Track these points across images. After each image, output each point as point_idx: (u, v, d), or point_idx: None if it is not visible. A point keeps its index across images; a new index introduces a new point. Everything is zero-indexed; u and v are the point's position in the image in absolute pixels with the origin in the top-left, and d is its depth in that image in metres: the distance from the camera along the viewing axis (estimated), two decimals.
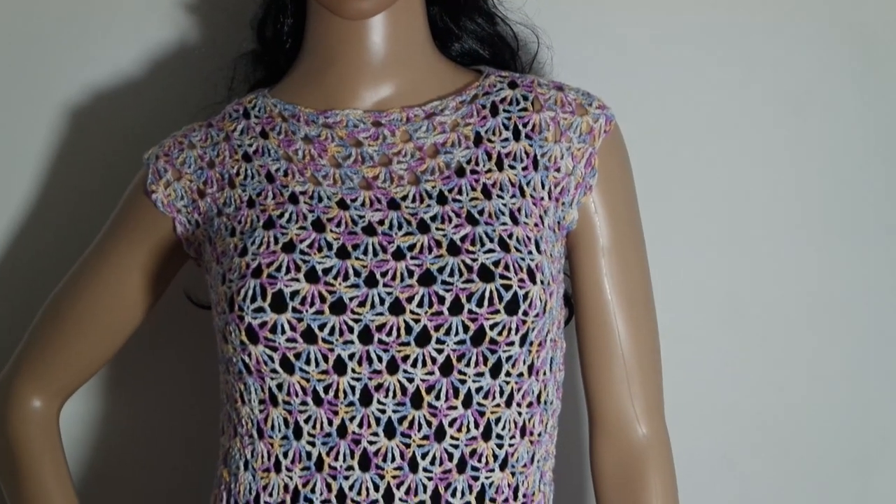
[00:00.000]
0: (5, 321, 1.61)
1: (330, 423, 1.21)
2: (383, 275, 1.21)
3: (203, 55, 1.56)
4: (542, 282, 1.22)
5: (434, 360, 1.20)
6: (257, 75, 1.45)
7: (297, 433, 1.22)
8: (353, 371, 1.20)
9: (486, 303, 1.20)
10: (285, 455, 1.23)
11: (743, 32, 1.54)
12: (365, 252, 1.22)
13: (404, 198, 1.25)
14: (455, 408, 1.21)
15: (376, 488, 1.21)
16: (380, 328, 1.20)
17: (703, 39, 1.54)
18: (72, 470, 1.47)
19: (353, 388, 1.21)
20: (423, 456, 1.21)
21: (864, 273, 1.56)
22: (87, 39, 1.59)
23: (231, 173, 1.31)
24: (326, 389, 1.21)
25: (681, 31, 1.54)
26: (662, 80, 1.54)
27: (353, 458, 1.21)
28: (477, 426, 1.21)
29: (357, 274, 1.21)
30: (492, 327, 1.20)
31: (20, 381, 1.42)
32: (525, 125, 1.29)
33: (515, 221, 1.24)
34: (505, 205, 1.25)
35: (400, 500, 1.21)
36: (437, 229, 1.23)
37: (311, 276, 1.21)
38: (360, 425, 1.21)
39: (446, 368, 1.20)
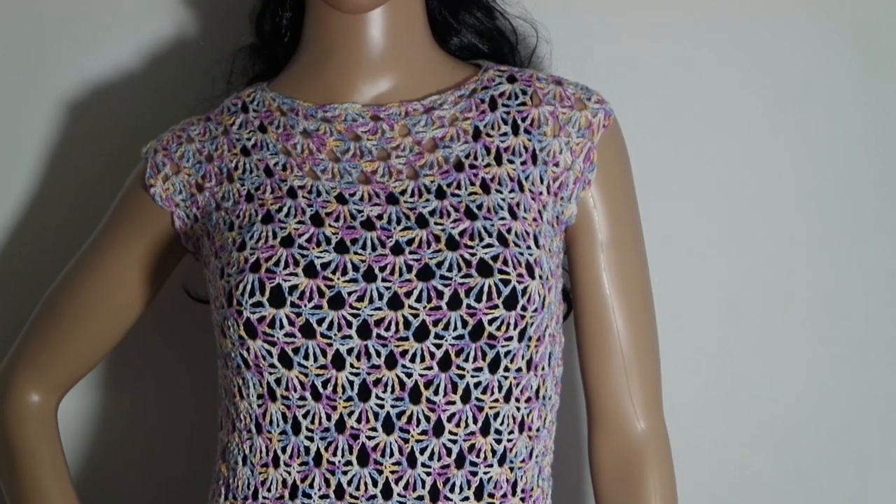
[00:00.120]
0: (3, 315, 1.61)
1: (328, 417, 1.21)
2: (382, 269, 1.21)
3: (201, 49, 1.56)
4: (540, 277, 1.22)
5: (433, 355, 1.20)
6: (256, 69, 1.45)
7: (296, 428, 1.22)
8: (352, 366, 1.20)
9: (484, 298, 1.19)
10: (284, 450, 1.23)
11: (742, 28, 1.54)
12: (363, 247, 1.22)
13: (403, 192, 1.25)
14: (453, 403, 1.21)
15: (375, 483, 1.21)
16: (378, 323, 1.20)
17: (702, 35, 1.54)
18: (70, 464, 1.47)
19: (351, 383, 1.21)
20: (422, 451, 1.21)
21: (862, 270, 1.56)
22: (86, 34, 1.59)
23: (229, 167, 1.31)
24: (325, 384, 1.21)
25: (680, 27, 1.54)
26: (661, 75, 1.54)
27: (351, 453, 1.21)
28: (475, 421, 1.21)
29: (356, 268, 1.21)
30: (490, 322, 1.20)
31: (18, 375, 1.42)
32: (524, 119, 1.29)
33: (514, 216, 1.24)
34: (504, 199, 1.25)
35: (398, 495, 1.21)
36: (436, 224, 1.23)
37: (310, 271, 1.21)
38: (359, 420, 1.21)
39: (445, 363, 1.20)
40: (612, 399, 1.32)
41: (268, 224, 1.24)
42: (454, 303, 1.19)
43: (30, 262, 1.61)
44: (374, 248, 1.22)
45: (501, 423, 1.23)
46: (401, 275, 1.21)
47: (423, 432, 1.21)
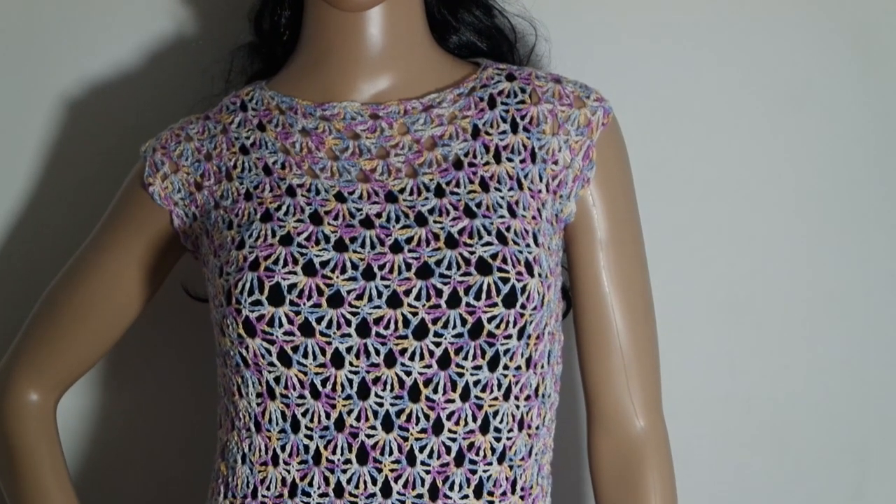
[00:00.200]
0: (2, 314, 1.61)
1: (328, 416, 1.21)
2: (381, 268, 1.21)
3: (200, 47, 1.56)
4: (539, 275, 1.22)
5: (432, 354, 1.20)
6: (254, 68, 1.45)
7: (295, 426, 1.22)
8: (351, 364, 1.20)
9: (483, 296, 1.19)
10: (283, 448, 1.23)
11: (742, 26, 1.54)
12: (363, 245, 1.22)
13: (402, 190, 1.25)
14: (453, 401, 1.21)
15: (374, 482, 1.21)
16: (377, 321, 1.20)
17: (702, 34, 1.54)
18: (69, 463, 1.47)
19: (350, 382, 1.21)
20: (421, 449, 1.21)
21: (861, 270, 1.56)
22: (85, 32, 1.59)
23: (228, 166, 1.31)
24: (324, 383, 1.21)
25: (679, 25, 1.54)
26: (661, 73, 1.54)
27: (350, 451, 1.21)
28: (475, 419, 1.21)
29: (355, 267, 1.21)
30: (489, 320, 1.20)
31: (17, 374, 1.42)
32: (523, 118, 1.29)
33: (513, 214, 1.24)
34: (503, 197, 1.24)
35: (398, 493, 1.21)
36: (435, 222, 1.22)
37: (309, 269, 1.21)
38: (358, 419, 1.21)
39: (444, 362, 1.20)
40: (611, 397, 1.32)
41: (267, 222, 1.24)
42: (453, 301, 1.19)
43: (29, 261, 1.61)
44: (373, 247, 1.22)
45: (501, 422, 1.23)
46: (400, 273, 1.21)
47: (423, 430, 1.21)
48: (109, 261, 1.38)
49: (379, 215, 1.24)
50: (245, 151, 1.31)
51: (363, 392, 1.21)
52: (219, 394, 1.31)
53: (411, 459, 1.21)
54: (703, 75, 1.54)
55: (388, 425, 1.21)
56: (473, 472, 1.22)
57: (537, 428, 1.26)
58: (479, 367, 1.21)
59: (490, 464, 1.22)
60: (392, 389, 1.20)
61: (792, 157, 1.55)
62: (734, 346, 1.57)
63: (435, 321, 1.20)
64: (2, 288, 1.62)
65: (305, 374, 1.21)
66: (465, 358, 1.20)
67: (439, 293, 1.20)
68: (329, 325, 1.20)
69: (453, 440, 1.21)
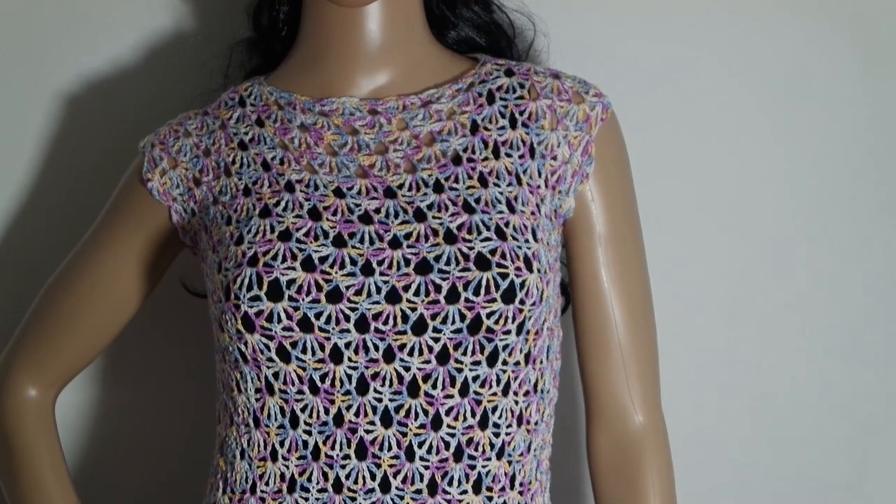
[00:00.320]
0: (1, 309, 1.61)
1: (326, 411, 1.21)
2: (380, 263, 1.21)
3: (198, 43, 1.56)
4: (538, 270, 1.22)
5: (431, 349, 1.20)
6: (253, 63, 1.45)
7: (294, 422, 1.22)
8: (350, 360, 1.20)
9: (482, 291, 1.19)
10: (282, 444, 1.23)
11: (742, 22, 1.53)
12: (361, 240, 1.22)
13: (401, 186, 1.25)
14: (452, 396, 1.21)
15: (373, 477, 1.21)
16: (376, 317, 1.20)
17: (701, 30, 1.54)
18: (67, 458, 1.47)
19: (349, 377, 1.21)
20: (420, 445, 1.21)
21: (861, 268, 1.55)
22: (84, 28, 1.59)
23: (227, 161, 1.31)
24: (323, 378, 1.21)
25: (679, 21, 1.53)
26: (660, 69, 1.54)
27: (349, 446, 1.21)
28: (474, 415, 1.21)
29: (353, 262, 1.21)
30: (488, 316, 1.20)
31: (15, 369, 1.42)
32: (521, 113, 1.29)
33: (512, 210, 1.24)
34: (501, 193, 1.24)
35: (397, 488, 1.21)
36: (434, 218, 1.22)
37: (308, 265, 1.21)
38: (357, 414, 1.21)
39: (443, 357, 1.20)
40: (610, 392, 1.32)
41: (265, 218, 1.24)
42: (452, 296, 1.19)
43: (28, 257, 1.61)
44: (371, 242, 1.22)
45: (500, 417, 1.23)
46: (399, 268, 1.21)
47: (422, 426, 1.21)
48: (108, 256, 1.38)
49: (378, 211, 1.24)
50: (244, 147, 1.31)
51: (362, 387, 1.21)
52: (217, 389, 1.31)
53: (410, 455, 1.21)
54: (702, 72, 1.54)
55: (386, 421, 1.21)
56: (472, 467, 1.22)
57: (536, 423, 1.26)
58: (477, 363, 1.21)
59: (489, 459, 1.22)
60: (391, 385, 1.21)
61: (792, 156, 1.55)
62: (734, 343, 1.57)
63: (434, 317, 1.20)
64: (1, 283, 1.62)
65: (304, 369, 1.21)
66: (464, 353, 1.20)
67: (438, 289, 1.20)
68: (328, 321, 1.20)
69: (452, 435, 1.21)
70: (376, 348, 1.20)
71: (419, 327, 1.20)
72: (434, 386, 1.20)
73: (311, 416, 1.22)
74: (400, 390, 1.20)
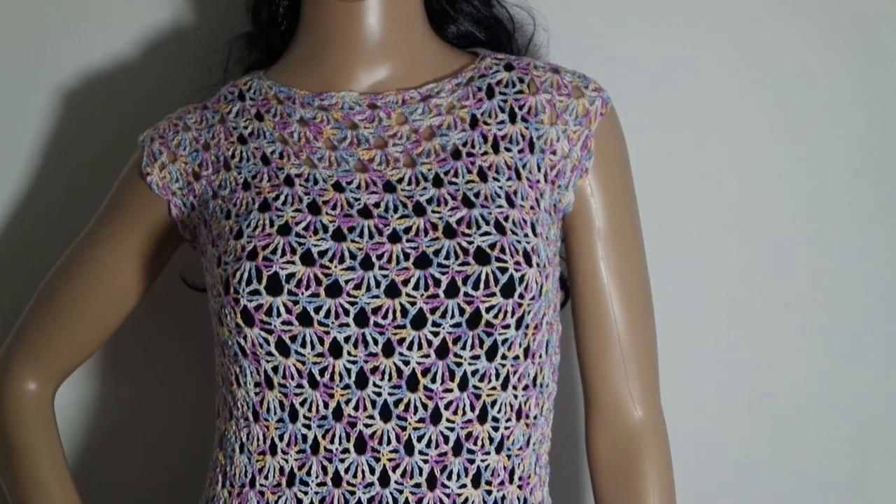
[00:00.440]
0: (0, 304, 1.61)
1: (326, 405, 1.21)
2: (379, 257, 1.21)
3: (198, 37, 1.56)
4: (538, 264, 1.22)
5: (430, 343, 1.20)
6: (252, 57, 1.45)
7: (293, 416, 1.22)
8: (349, 354, 1.20)
9: (482, 285, 1.19)
10: (281, 438, 1.23)
11: (742, 22, 1.53)
12: (361, 235, 1.22)
13: (400, 180, 1.25)
14: (451, 391, 1.21)
15: (372, 471, 1.21)
16: (375, 311, 1.20)
17: (701, 30, 1.53)
18: (67, 453, 1.47)
19: (348, 371, 1.21)
20: (419, 439, 1.21)
21: (860, 266, 1.55)
22: (83, 23, 1.59)
23: (226, 155, 1.31)
24: (322, 372, 1.21)
25: (678, 21, 1.53)
26: (659, 64, 1.54)
27: (348, 440, 1.21)
28: (473, 409, 1.21)
29: (353, 257, 1.21)
30: (488, 310, 1.20)
31: (15, 363, 1.42)
32: (521, 108, 1.29)
33: (511, 204, 1.24)
34: (501, 187, 1.24)
35: (396, 482, 1.21)
36: (433, 212, 1.22)
37: (307, 259, 1.21)
38: (356, 408, 1.21)
39: (442, 351, 1.20)
40: (609, 387, 1.32)
41: (265, 212, 1.24)
42: (451, 291, 1.19)
43: (27, 251, 1.61)
44: (371, 237, 1.22)
45: (499, 411, 1.23)
46: (398, 263, 1.21)
47: (421, 420, 1.21)
48: (107, 251, 1.38)
49: (377, 205, 1.24)
50: (243, 141, 1.31)
51: (361, 382, 1.21)
52: (217, 383, 1.31)
53: (409, 449, 1.21)
54: (702, 72, 1.54)
55: (386, 415, 1.21)
56: (471, 461, 1.22)
57: (535, 417, 1.26)
58: (477, 357, 1.21)
59: (488, 453, 1.22)
60: (390, 379, 1.20)
61: (792, 156, 1.55)
62: (734, 343, 1.56)
63: (433, 311, 1.20)
64: (0, 277, 1.62)
65: (303, 363, 1.21)
66: (464, 347, 1.20)
67: (437, 283, 1.20)
68: (327, 315, 1.20)
69: (451, 430, 1.21)
70: (375, 342, 1.20)
71: (418, 321, 1.20)
72: (433, 380, 1.20)
73: (310, 409, 1.22)
74: (399, 384, 1.20)
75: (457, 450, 1.21)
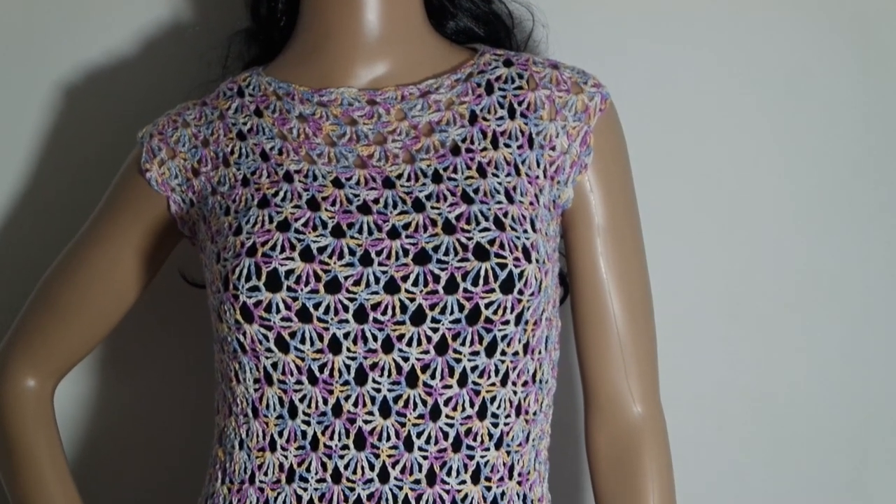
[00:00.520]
0: None
1: (325, 402, 1.21)
2: (378, 254, 1.21)
3: (197, 33, 1.56)
4: (537, 260, 1.22)
5: (429, 339, 1.20)
6: (251, 53, 1.45)
7: (293, 412, 1.22)
8: (348, 350, 1.20)
9: (481, 282, 1.19)
10: (280, 434, 1.23)
11: (742, 22, 1.53)
12: (360, 231, 1.22)
13: (399, 176, 1.25)
14: (450, 387, 1.21)
15: (371, 467, 1.21)
16: (375, 307, 1.20)
17: (701, 30, 1.53)
18: (66, 449, 1.47)
19: (348, 368, 1.21)
20: (419, 435, 1.21)
21: (860, 264, 1.55)
22: (81, 18, 1.59)
23: (225, 152, 1.31)
24: (321, 368, 1.21)
25: (678, 11, 1.53)
26: (659, 61, 1.54)
27: (348, 437, 1.21)
28: (472, 405, 1.21)
29: (352, 253, 1.21)
30: (487, 306, 1.20)
31: (14, 360, 1.42)
32: (520, 103, 1.29)
33: (511, 200, 1.24)
34: (500, 183, 1.24)
35: (395, 479, 1.21)
36: (433, 208, 1.22)
37: (306, 255, 1.21)
38: (356, 404, 1.21)
39: (441, 347, 1.20)
40: (608, 383, 1.32)
41: (264, 208, 1.24)
42: (451, 287, 1.19)
43: (26, 247, 1.61)
44: (370, 233, 1.22)
45: (498, 407, 1.23)
46: (397, 259, 1.21)
47: (420, 416, 1.21)
48: (106, 247, 1.38)
49: (376, 201, 1.24)
50: (242, 137, 1.31)
51: (361, 378, 1.21)
52: (216, 380, 1.31)
53: (409, 445, 1.21)
54: (702, 72, 1.54)
55: (385, 411, 1.21)
56: (471, 457, 1.22)
57: (535, 413, 1.26)
58: (476, 353, 1.21)
59: (487, 449, 1.22)
60: (389, 375, 1.20)
61: (792, 156, 1.55)
62: (733, 343, 1.56)
63: (432, 307, 1.20)
64: None
65: (303, 359, 1.21)
66: (463, 344, 1.20)
67: (437, 279, 1.20)
68: (326, 311, 1.20)
69: (451, 426, 1.21)
70: (375, 339, 1.20)
71: (418, 317, 1.20)
72: (432, 376, 1.20)
73: (309, 406, 1.21)
74: (398, 380, 1.20)
75: (456, 446, 1.21)
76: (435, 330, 1.20)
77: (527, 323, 1.22)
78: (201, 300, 1.35)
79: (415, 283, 1.20)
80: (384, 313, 1.20)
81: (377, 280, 1.20)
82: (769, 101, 1.54)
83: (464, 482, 1.22)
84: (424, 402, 1.21)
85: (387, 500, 1.21)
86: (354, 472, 1.21)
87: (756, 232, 1.55)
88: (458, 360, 1.20)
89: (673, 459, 1.34)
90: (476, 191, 1.23)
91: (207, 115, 1.34)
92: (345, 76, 1.31)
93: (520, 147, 1.27)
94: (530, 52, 1.44)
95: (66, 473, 1.42)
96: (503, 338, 1.21)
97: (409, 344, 1.20)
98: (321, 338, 1.20)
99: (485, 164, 1.25)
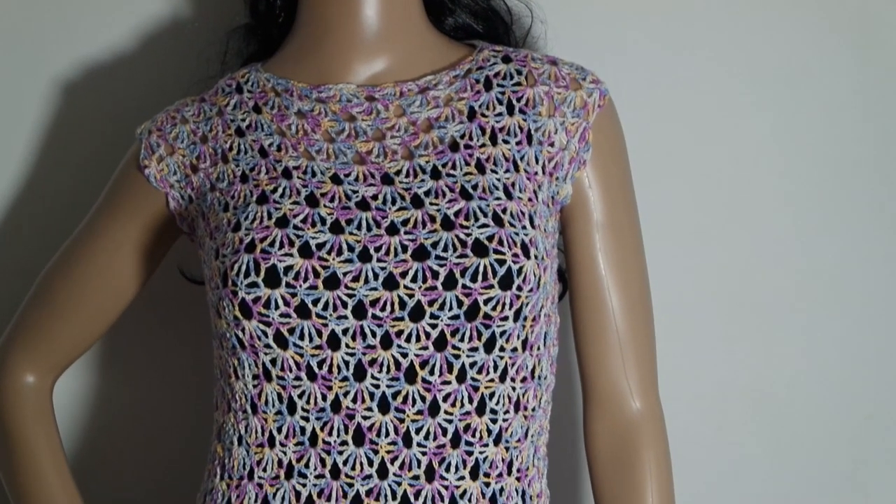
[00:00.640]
0: None
1: (324, 398, 1.21)
2: (377, 250, 1.21)
3: (196, 29, 1.56)
4: (535, 257, 1.22)
5: (428, 336, 1.20)
6: (250, 50, 1.45)
7: (291, 408, 1.22)
8: (347, 346, 1.20)
9: (479, 278, 1.19)
10: (279, 430, 1.23)
11: (742, 22, 1.53)
12: (359, 227, 1.22)
13: (398, 172, 1.25)
14: (449, 383, 1.21)
15: (370, 463, 1.21)
16: (373, 303, 1.20)
17: (701, 30, 1.53)
18: (65, 445, 1.47)
19: (346, 364, 1.21)
20: (417, 431, 1.21)
21: (859, 262, 1.55)
22: (80, 14, 1.59)
23: (224, 148, 1.31)
24: (320, 364, 1.21)
25: (677, 7, 1.53)
26: (657, 57, 1.54)
27: (346, 433, 1.21)
28: (471, 401, 1.21)
29: (351, 249, 1.21)
30: (486, 302, 1.20)
31: (13, 356, 1.42)
32: (519, 100, 1.29)
33: (509, 196, 1.24)
34: (499, 179, 1.24)
35: (394, 474, 1.21)
36: (431, 204, 1.22)
37: (305, 251, 1.21)
38: (354, 400, 1.21)
39: (440, 343, 1.20)
40: (607, 378, 1.32)
41: (262, 204, 1.24)
42: (449, 283, 1.19)
43: (25, 244, 1.61)
44: (369, 229, 1.22)
45: (497, 403, 1.22)
46: (396, 255, 1.21)
47: (419, 412, 1.21)
48: (105, 243, 1.38)
49: (375, 197, 1.24)
50: (241, 133, 1.31)
51: (359, 374, 1.21)
52: (215, 376, 1.31)
53: (407, 441, 1.21)
54: (700, 58, 1.54)
55: (384, 407, 1.21)
56: (470, 453, 1.22)
57: (533, 409, 1.26)
58: (475, 349, 1.21)
59: (486, 445, 1.22)
60: (388, 371, 1.20)
61: (791, 156, 1.55)
62: (733, 342, 1.56)
63: (431, 303, 1.20)
64: None
65: (302, 355, 1.21)
66: (462, 340, 1.20)
67: (435, 275, 1.20)
68: (325, 307, 1.20)
69: (449, 422, 1.21)
70: (374, 334, 1.20)
71: (416, 313, 1.20)
72: (431, 372, 1.20)
73: (308, 402, 1.21)
74: (397, 376, 1.20)
75: (455, 442, 1.21)
76: (434, 326, 1.20)
77: (525, 319, 1.22)
78: (200, 297, 1.35)
79: (413, 280, 1.20)
80: (383, 309, 1.20)
81: (376, 276, 1.20)
82: (769, 100, 1.54)
83: (462, 478, 1.22)
84: (423, 398, 1.20)
85: (385, 495, 1.21)
86: (353, 468, 1.21)
87: (756, 231, 1.55)
88: (457, 357, 1.20)
89: (673, 459, 1.34)
90: (475, 187, 1.23)
91: (206, 111, 1.34)
92: (343, 72, 1.31)
93: (518, 143, 1.27)
94: (529, 49, 1.44)
95: (65, 469, 1.42)
96: (502, 334, 1.21)
97: (408, 340, 1.20)
98: (320, 334, 1.20)
99: (483, 161, 1.25)
